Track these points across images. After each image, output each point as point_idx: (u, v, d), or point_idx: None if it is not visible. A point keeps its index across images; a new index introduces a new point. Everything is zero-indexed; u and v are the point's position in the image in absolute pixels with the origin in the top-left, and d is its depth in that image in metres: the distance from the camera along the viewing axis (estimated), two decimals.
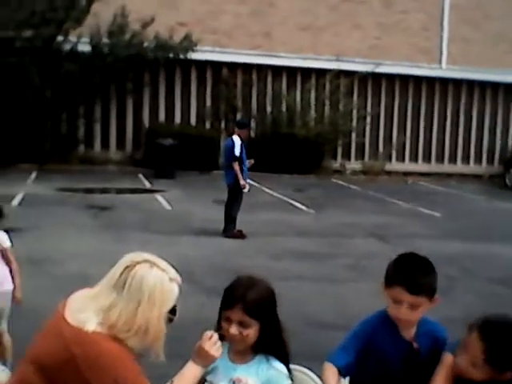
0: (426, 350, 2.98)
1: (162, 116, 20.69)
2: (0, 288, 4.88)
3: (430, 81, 22.59)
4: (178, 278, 2.55)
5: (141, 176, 17.77)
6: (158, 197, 14.48)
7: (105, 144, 20.25)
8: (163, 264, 2.54)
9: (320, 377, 2.93)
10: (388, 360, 2.97)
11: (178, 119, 20.75)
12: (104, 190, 15.33)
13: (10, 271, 4.99)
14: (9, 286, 4.97)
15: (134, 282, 2.44)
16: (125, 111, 20.34)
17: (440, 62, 22.54)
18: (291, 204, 14.58)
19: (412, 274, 2.82)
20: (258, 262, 9.13)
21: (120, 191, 15.41)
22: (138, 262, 2.49)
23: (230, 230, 10.83)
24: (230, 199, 10.92)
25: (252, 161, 11.04)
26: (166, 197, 14.45)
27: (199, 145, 18.86)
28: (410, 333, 2.98)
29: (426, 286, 2.84)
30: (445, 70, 22.45)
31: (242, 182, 10.63)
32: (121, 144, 20.41)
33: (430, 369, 2.92)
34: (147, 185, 16.56)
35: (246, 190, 10.84)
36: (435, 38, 22.42)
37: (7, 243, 5.02)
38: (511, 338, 2.64)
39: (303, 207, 14.14)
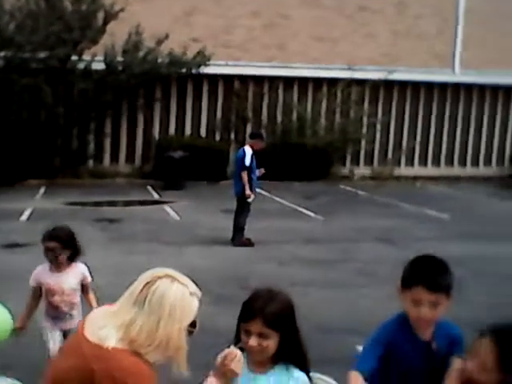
0: (444, 350, 3.02)
1: (172, 129, 20.79)
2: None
3: (442, 86, 22.56)
4: (198, 293, 2.57)
5: (149, 188, 17.84)
6: (167, 208, 14.52)
7: (114, 158, 20.37)
8: (184, 279, 2.55)
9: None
10: (408, 362, 3.01)
11: (188, 132, 20.84)
12: (113, 203, 15.40)
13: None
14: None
15: (155, 297, 2.45)
16: (135, 125, 20.47)
17: (453, 66, 22.51)
18: (300, 211, 14.58)
19: (430, 272, 2.89)
20: (267, 270, 9.14)
21: (129, 203, 15.47)
22: (159, 277, 2.50)
23: (238, 238, 10.88)
24: (239, 208, 10.98)
25: (262, 170, 11.14)
26: (175, 207, 14.49)
27: (208, 156, 18.93)
28: (427, 334, 3.01)
29: (444, 283, 2.90)
30: (457, 75, 22.40)
31: (247, 191, 10.72)
32: (130, 157, 20.51)
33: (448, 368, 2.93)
34: (156, 196, 16.61)
35: (250, 200, 10.88)
36: (449, 43, 22.38)
37: (89, 277, 5.03)
38: None
39: (312, 214, 14.14)
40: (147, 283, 2.49)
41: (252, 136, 11.49)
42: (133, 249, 10.26)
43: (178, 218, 13.32)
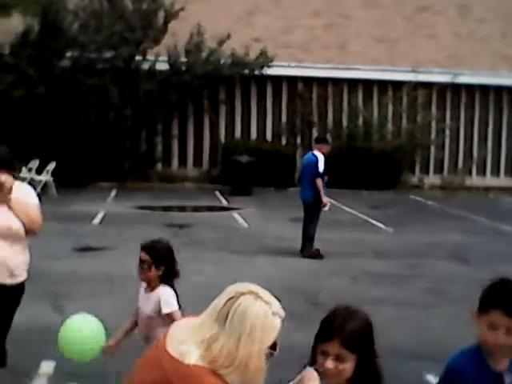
0: None
1: (237, 132, 20.86)
2: None
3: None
4: (282, 312, 2.48)
5: (217, 193, 17.94)
6: (235, 215, 14.56)
7: (182, 161, 20.57)
8: (268, 297, 2.47)
9: None
10: None
11: (253, 135, 20.88)
12: (182, 208, 15.56)
13: None
14: None
15: (237, 314, 2.39)
16: (202, 128, 20.63)
17: None
18: (369, 222, 14.39)
19: (509, 296, 2.79)
20: (335, 285, 9.02)
21: (197, 209, 15.60)
22: (243, 293, 2.44)
23: (308, 249, 10.68)
24: (308, 217, 10.72)
25: (326, 177, 10.81)
26: (243, 214, 14.52)
27: (275, 161, 18.91)
28: (502, 365, 2.88)
29: None
30: None
31: (324, 199, 10.41)
32: (198, 161, 20.69)
33: None
34: (224, 202, 16.69)
35: (326, 209, 10.66)
36: None
37: (165, 308, 4.18)
38: None
39: (381, 225, 13.93)
40: (230, 299, 2.43)
41: (318, 140, 11.30)
42: (203, 256, 10.28)
43: (246, 226, 13.34)
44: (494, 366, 2.89)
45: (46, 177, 16.53)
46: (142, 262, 4.23)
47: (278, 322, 2.46)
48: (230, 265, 9.67)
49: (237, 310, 2.40)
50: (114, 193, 17.19)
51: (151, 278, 4.22)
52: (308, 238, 10.72)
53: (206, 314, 2.49)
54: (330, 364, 2.61)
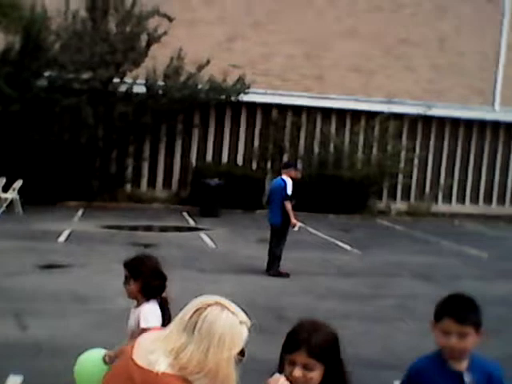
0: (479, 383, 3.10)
1: (209, 156, 20.93)
2: None
3: (481, 123, 22.40)
4: (248, 321, 2.54)
5: (185, 214, 17.90)
6: (203, 235, 14.54)
7: (152, 183, 20.56)
8: (234, 307, 2.52)
9: None
10: None
11: (225, 159, 20.95)
12: (149, 228, 15.49)
13: None
14: None
15: (205, 324, 2.43)
16: (173, 151, 20.68)
17: (493, 103, 22.33)
18: (335, 244, 14.47)
19: (458, 306, 3.14)
20: (302, 301, 9.06)
21: (165, 229, 15.54)
22: (210, 305, 2.48)
23: (274, 268, 10.81)
24: (275, 238, 10.92)
25: (293, 201, 11.09)
26: (211, 235, 14.50)
27: (245, 184, 19.00)
28: (461, 366, 3.12)
29: (471, 317, 3.10)
30: (497, 113, 22.21)
31: (293, 220, 10.71)
32: (167, 183, 20.69)
33: None
34: (191, 223, 16.66)
35: (296, 229, 10.91)
36: (490, 80, 22.25)
37: (143, 323, 4.02)
38: None
39: (348, 247, 14.02)
40: (197, 310, 2.47)
41: (286, 166, 11.57)
42: (168, 275, 10.21)
43: (213, 246, 13.32)
44: (453, 367, 3.13)
45: (12, 195, 16.36)
46: (124, 277, 4.15)
47: (245, 330, 2.50)
48: (196, 283, 9.65)
49: (205, 320, 2.43)
50: (81, 212, 17.06)
51: (131, 292, 4.12)
52: (274, 257, 10.88)
53: (174, 325, 2.51)
54: (297, 372, 2.65)
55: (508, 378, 3.04)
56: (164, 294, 4.09)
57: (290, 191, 10.71)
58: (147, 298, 4.08)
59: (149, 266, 4.13)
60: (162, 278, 4.11)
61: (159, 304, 4.11)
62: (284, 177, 10.95)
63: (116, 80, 18.47)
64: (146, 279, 4.06)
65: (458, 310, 3.09)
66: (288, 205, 10.67)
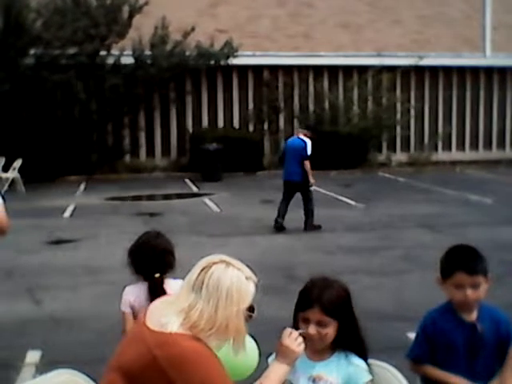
0: (490, 334, 3.17)
1: (205, 121, 20.88)
2: None
3: (474, 70, 22.27)
4: (254, 277, 2.58)
5: (187, 181, 17.93)
6: (206, 200, 14.58)
7: (150, 152, 20.55)
8: (239, 264, 2.57)
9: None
10: (453, 344, 3.18)
11: (221, 123, 20.91)
12: (152, 197, 15.51)
13: None
14: None
15: (211, 281, 2.48)
16: (168, 119, 20.63)
17: (484, 50, 22.17)
18: (339, 199, 14.52)
19: (467, 259, 3.18)
20: (311, 259, 9.13)
21: (168, 197, 15.58)
22: (215, 263, 2.53)
23: (310, 223, 11.15)
24: (304, 195, 11.20)
25: None
26: (214, 199, 14.55)
27: (243, 147, 18.98)
28: (472, 317, 3.20)
29: (480, 266, 3.17)
30: (489, 59, 22.07)
31: (312, 180, 11.05)
32: (166, 151, 20.68)
33: (494, 352, 3.16)
34: (194, 189, 16.69)
35: (312, 188, 11.27)
36: (478, 27, 22.07)
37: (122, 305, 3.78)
38: None
39: (352, 202, 14.07)
40: (203, 269, 2.52)
41: (306, 127, 12.02)
42: (177, 241, 10.20)
43: (218, 210, 13.37)
44: (465, 318, 3.21)
45: (12, 174, 16.36)
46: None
47: (252, 286, 2.55)
48: (204, 248, 9.69)
49: (211, 277, 2.49)
50: (83, 186, 17.08)
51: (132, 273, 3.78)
52: (310, 213, 11.16)
53: (182, 287, 2.57)
54: (312, 330, 2.70)
55: None
56: (157, 275, 3.64)
57: (309, 151, 11.03)
58: (140, 279, 3.72)
59: (135, 245, 3.78)
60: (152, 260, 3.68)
61: (151, 284, 3.66)
62: (302, 136, 11.23)
63: (103, 53, 18.34)
64: (136, 257, 3.72)
65: (467, 261, 3.15)
66: (308, 164, 10.99)
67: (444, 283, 3.20)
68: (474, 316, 3.20)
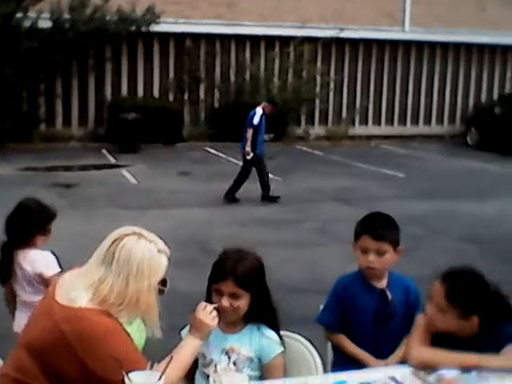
0: (399, 301, 3.27)
1: (124, 90, 20.48)
2: None
3: (393, 44, 22.63)
4: (167, 250, 2.54)
5: (104, 151, 17.60)
6: (124, 171, 14.39)
7: (67, 121, 20.01)
8: (151, 236, 2.53)
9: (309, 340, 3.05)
10: (363, 309, 3.25)
11: (140, 92, 20.57)
12: (68, 168, 15.16)
13: None
14: None
15: (123, 254, 2.43)
16: (86, 87, 20.10)
17: (403, 24, 22.59)
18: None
19: (375, 224, 3.25)
20: (226, 232, 9.18)
21: (84, 168, 15.25)
22: (127, 235, 2.48)
23: (266, 194, 11.26)
24: (256, 168, 11.28)
25: (271, 136, 11.38)
26: (132, 171, 14.36)
27: (163, 117, 18.71)
28: (382, 283, 3.28)
29: (388, 234, 3.22)
30: (407, 33, 22.49)
31: (247, 148, 11.04)
32: (83, 120, 20.17)
33: (403, 319, 3.22)
34: (112, 160, 16.42)
35: (248, 157, 11.20)
36: (398, 1, 22.40)
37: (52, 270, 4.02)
38: (470, 277, 2.80)
39: (270, 175, 14.14)
40: (114, 241, 2.47)
41: (269, 101, 12.22)
42: (93, 214, 10.17)
43: (135, 182, 13.22)
44: (375, 285, 3.28)
45: None
46: None
47: (164, 259, 2.51)
48: (120, 220, 9.56)
49: (122, 250, 2.43)
50: None
51: None
52: (265, 184, 11.32)
53: (92, 260, 2.50)
54: (225, 302, 2.72)
55: (422, 297, 3.19)
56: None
57: (256, 121, 11.02)
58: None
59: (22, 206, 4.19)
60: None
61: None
62: (258, 108, 11.32)
63: (19, 15, 17.65)
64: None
65: (375, 227, 3.21)
66: (249, 132, 10.97)
67: (354, 247, 3.28)
68: (383, 283, 3.27)
